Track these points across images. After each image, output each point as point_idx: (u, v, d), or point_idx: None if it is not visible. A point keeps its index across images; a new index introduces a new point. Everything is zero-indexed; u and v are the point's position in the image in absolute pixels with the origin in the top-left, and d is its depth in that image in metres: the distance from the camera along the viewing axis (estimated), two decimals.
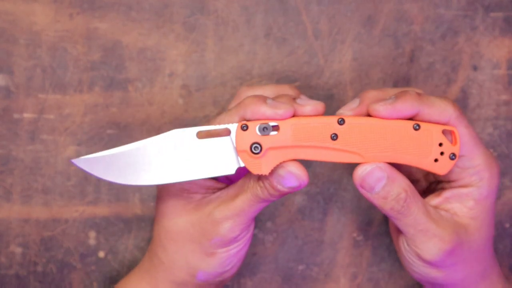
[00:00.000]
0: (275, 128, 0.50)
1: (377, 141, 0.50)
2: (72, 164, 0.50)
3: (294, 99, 0.52)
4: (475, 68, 0.63)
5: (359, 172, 0.50)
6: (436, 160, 0.51)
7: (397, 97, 0.50)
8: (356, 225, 0.64)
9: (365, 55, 0.63)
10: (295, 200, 0.63)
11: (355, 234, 0.64)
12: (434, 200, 0.53)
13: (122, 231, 0.63)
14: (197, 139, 0.51)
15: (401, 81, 0.63)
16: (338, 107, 0.62)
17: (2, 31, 0.61)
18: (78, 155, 0.62)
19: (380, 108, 0.50)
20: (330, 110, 0.63)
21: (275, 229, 0.64)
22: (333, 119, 0.50)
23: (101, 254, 0.63)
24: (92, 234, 0.63)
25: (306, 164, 0.63)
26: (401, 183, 0.51)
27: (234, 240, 0.53)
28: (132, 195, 0.63)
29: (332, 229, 0.64)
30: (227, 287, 0.64)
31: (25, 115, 0.62)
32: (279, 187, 0.50)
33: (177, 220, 0.54)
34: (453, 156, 0.51)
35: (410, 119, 0.51)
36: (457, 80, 0.63)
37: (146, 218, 0.63)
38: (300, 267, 0.64)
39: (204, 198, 0.53)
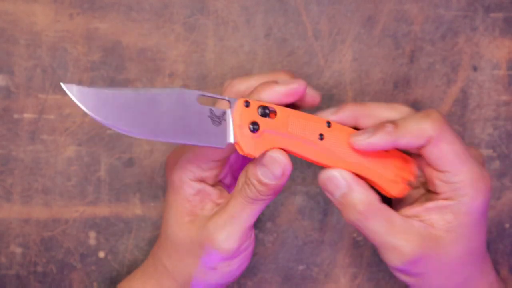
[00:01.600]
0: (272, 114, 0.50)
1: (354, 152, 0.52)
2: (63, 87, 0.46)
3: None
4: (475, 68, 0.63)
5: (322, 176, 0.52)
6: (395, 182, 0.54)
7: (373, 132, 0.51)
8: None
9: (365, 56, 0.63)
10: (295, 200, 0.63)
11: (355, 234, 0.64)
12: (415, 208, 0.53)
13: (122, 231, 0.63)
14: (197, 103, 0.49)
15: (401, 81, 0.63)
16: None
17: (2, 31, 0.61)
18: (78, 155, 0.62)
19: (357, 143, 0.51)
20: None
21: (275, 229, 0.64)
22: (323, 121, 0.52)
23: (101, 254, 0.63)
24: (92, 234, 0.63)
25: (307, 164, 0.63)
26: (361, 195, 0.51)
27: (234, 253, 0.52)
28: (133, 195, 0.63)
29: (332, 229, 0.64)
30: (227, 287, 0.64)
31: (25, 115, 0.62)
32: (264, 179, 0.50)
33: (178, 233, 0.54)
34: (412, 184, 0.54)
35: None
36: (457, 81, 0.63)
37: (147, 219, 0.63)
38: (300, 267, 0.64)
39: (203, 212, 0.53)
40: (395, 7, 0.62)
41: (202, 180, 0.54)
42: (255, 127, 0.49)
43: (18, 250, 0.63)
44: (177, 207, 0.54)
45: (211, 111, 0.49)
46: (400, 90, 0.63)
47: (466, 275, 0.54)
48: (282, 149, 0.50)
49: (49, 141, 0.62)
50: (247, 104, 0.49)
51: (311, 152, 0.51)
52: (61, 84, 0.46)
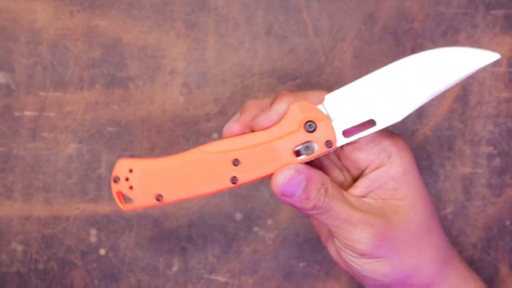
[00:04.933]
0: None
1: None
2: None
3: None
4: None
5: (279, 182, 0.49)
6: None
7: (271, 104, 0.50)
8: None
9: (365, 53, 0.63)
10: None
11: None
12: (354, 191, 0.52)
13: (123, 228, 0.63)
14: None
15: None
16: None
17: (3, 29, 0.61)
18: (79, 153, 0.62)
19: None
20: None
21: (276, 226, 0.64)
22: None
23: (102, 251, 0.63)
24: (93, 231, 0.63)
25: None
26: (319, 179, 0.49)
27: None
28: None
29: None
30: (228, 285, 0.64)
31: (26, 112, 0.62)
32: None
33: None
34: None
35: None
36: None
37: (147, 216, 0.63)
38: (301, 265, 0.64)
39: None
40: (395, 4, 0.62)
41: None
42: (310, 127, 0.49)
43: (19, 248, 0.63)
44: None
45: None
46: None
47: (440, 247, 0.53)
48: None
49: (50, 138, 0.62)
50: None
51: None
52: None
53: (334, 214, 0.50)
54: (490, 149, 0.64)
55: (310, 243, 0.64)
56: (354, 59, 0.63)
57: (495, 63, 0.63)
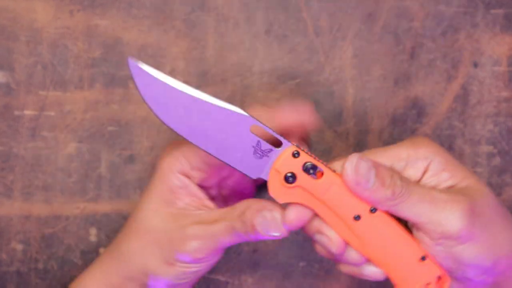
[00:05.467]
0: (318, 174, 0.49)
1: (385, 246, 0.49)
2: (128, 62, 0.47)
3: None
4: (475, 65, 0.63)
5: (348, 170, 0.48)
6: None
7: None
8: None
9: (365, 52, 0.63)
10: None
11: None
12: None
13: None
14: (248, 130, 0.48)
15: (402, 77, 0.63)
16: (339, 104, 0.62)
17: (3, 28, 0.61)
18: (79, 152, 0.62)
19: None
20: (330, 106, 0.63)
21: None
22: (367, 206, 0.49)
23: (102, 251, 0.63)
24: (93, 231, 0.63)
25: None
26: (385, 166, 0.49)
27: (197, 260, 0.52)
28: (133, 192, 0.63)
29: None
30: (227, 284, 0.64)
31: (26, 112, 0.62)
32: (258, 227, 0.49)
33: (151, 219, 0.53)
34: None
35: None
36: (458, 77, 0.63)
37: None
38: (301, 264, 0.64)
39: (186, 209, 0.52)
40: (395, 3, 0.62)
41: (188, 177, 0.53)
42: (290, 179, 0.48)
43: (19, 247, 0.63)
44: (159, 194, 0.53)
45: (258, 143, 0.48)
46: (401, 86, 0.63)
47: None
48: (309, 207, 0.49)
49: (50, 137, 0.62)
50: (296, 154, 0.48)
51: (337, 225, 0.49)
52: (128, 59, 0.47)
53: (417, 199, 0.48)
54: (490, 148, 0.64)
55: (310, 242, 0.64)
56: (354, 58, 0.63)
57: (495, 62, 0.63)
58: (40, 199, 0.62)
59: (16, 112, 0.62)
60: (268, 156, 0.48)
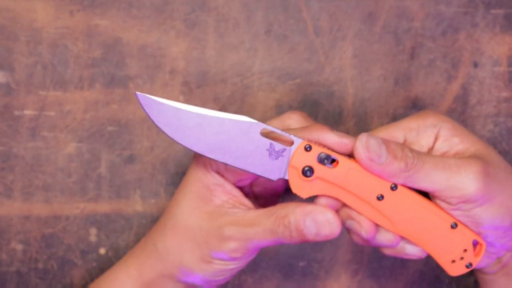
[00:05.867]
0: (333, 162, 0.50)
1: (415, 221, 0.51)
2: (136, 96, 0.50)
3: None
4: (475, 65, 0.63)
5: (359, 148, 0.49)
6: (453, 261, 0.51)
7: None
8: None
9: (365, 52, 0.63)
10: (296, 196, 0.63)
11: None
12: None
13: (123, 228, 0.63)
14: (259, 134, 0.50)
15: (402, 78, 0.63)
16: (339, 104, 0.62)
17: (3, 28, 0.61)
18: (79, 152, 0.62)
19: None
20: (330, 106, 0.63)
21: None
22: (388, 183, 0.50)
23: (102, 251, 0.63)
24: (93, 231, 0.63)
25: None
26: (394, 140, 0.50)
27: (233, 259, 0.52)
28: (133, 192, 0.63)
29: None
30: (228, 284, 0.64)
31: (26, 112, 0.62)
32: (306, 231, 0.50)
33: (187, 217, 0.53)
34: (469, 265, 0.52)
35: None
36: (458, 77, 0.63)
37: (147, 215, 0.63)
38: (301, 264, 0.64)
39: (222, 206, 0.53)
40: (395, 3, 0.62)
41: (223, 176, 0.53)
42: (308, 172, 0.50)
43: (19, 247, 0.63)
44: (196, 192, 0.53)
45: (271, 145, 0.50)
46: (401, 86, 0.63)
47: None
48: (333, 197, 0.51)
49: (50, 137, 0.62)
50: (308, 147, 0.50)
51: (364, 209, 0.51)
52: (136, 93, 0.50)
53: (430, 167, 0.49)
54: None
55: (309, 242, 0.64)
56: (354, 58, 0.63)
57: (495, 63, 0.63)
58: (40, 199, 0.62)
59: (16, 112, 0.62)
60: (283, 156, 0.50)
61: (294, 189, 0.50)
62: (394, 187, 0.50)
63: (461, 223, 0.51)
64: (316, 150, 0.50)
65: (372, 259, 0.64)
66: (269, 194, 0.57)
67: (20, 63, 0.61)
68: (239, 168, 0.51)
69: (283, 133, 0.50)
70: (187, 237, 0.53)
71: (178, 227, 0.53)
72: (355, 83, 0.63)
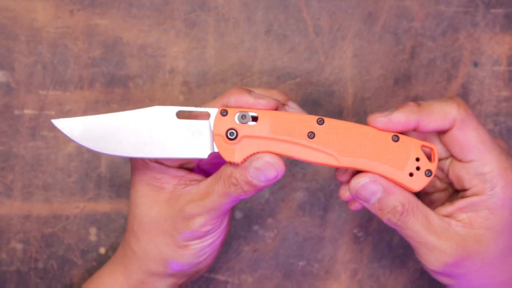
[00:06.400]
0: (254, 119, 0.50)
1: (354, 146, 0.50)
2: (52, 124, 0.50)
3: (283, 104, 0.52)
4: (475, 64, 0.63)
5: (353, 185, 0.50)
6: (411, 175, 0.50)
7: (395, 109, 0.50)
8: (356, 221, 0.64)
9: (365, 52, 0.63)
10: (296, 196, 0.63)
11: (355, 231, 0.64)
12: (447, 208, 0.51)
13: (123, 227, 0.63)
14: (176, 118, 0.51)
15: (402, 77, 0.63)
16: (339, 104, 0.62)
17: (3, 27, 0.61)
18: (79, 151, 0.62)
19: (376, 119, 0.49)
20: (330, 106, 0.63)
21: (275, 225, 0.64)
22: (313, 118, 0.50)
23: (102, 250, 0.63)
24: (93, 230, 0.63)
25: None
26: (398, 196, 0.49)
27: (207, 233, 0.53)
28: None
29: (333, 225, 0.64)
30: (227, 283, 0.64)
31: (26, 111, 0.62)
32: (255, 181, 0.50)
33: (149, 212, 0.53)
34: (428, 173, 0.50)
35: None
36: (458, 77, 0.63)
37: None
38: (301, 264, 0.64)
39: (175, 190, 0.53)
40: (395, 3, 0.62)
41: (163, 163, 0.53)
42: (231, 134, 0.50)
43: (19, 246, 0.63)
44: (145, 186, 0.53)
45: (190, 124, 0.51)
46: (401, 86, 0.63)
47: (508, 272, 0.52)
48: (266, 152, 0.50)
49: (50, 137, 0.62)
50: (224, 112, 0.50)
51: (300, 152, 0.50)
52: (51, 121, 0.51)
53: (410, 234, 0.50)
54: None
55: (310, 242, 0.64)
56: (354, 58, 0.63)
57: (495, 62, 0.63)
58: (40, 199, 0.62)
59: (16, 112, 0.62)
60: (205, 130, 0.51)
61: (226, 156, 0.50)
62: (320, 121, 0.50)
63: (401, 134, 0.50)
64: (233, 112, 0.50)
65: (372, 258, 0.64)
66: (218, 165, 0.57)
67: (20, 62, 0.61)
68: (170, 158, 0.51)
69: (197, 108, 0.51)
70: (156, 231, 0.53)
71: (144, 225, 0.53)
72: (355, 83, 0.63)
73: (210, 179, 0.52)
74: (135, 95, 0.62)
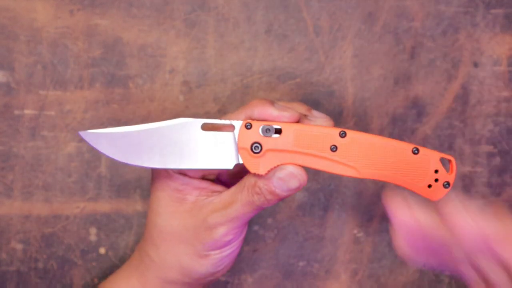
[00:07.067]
0: (278, 131, 0.51)
1: (375, 159, 0.51)
2: (80, 136, 0.51)
3: (305, 115, 0.53)
4: (475, 64, 0.63)
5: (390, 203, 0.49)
6: (429, 186, 0.52)
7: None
8: (356, 221, 0.64)
9: (365, 52, 0.63)
10: (296, 196, 0.63)
11: (355, 231, 0.64)
12: None
13: (123, 227, 0.63)
14: (201, 130, 0.51)
15: (402, 77, 0.63)
16: (339, 104, 0.62)
17: (3, 27, 0.61)
18: (79, 151, 0.62)
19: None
20: (330, 106, 0.63)
21: (275, 225, 0.64)
22: (335, 131, 0.51)
23: (102, 250, 0.63)
24: (93, 230, 0.63)
25: None
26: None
27: (228, 243, 0.53)
28: (133, 191, 0.63)
29: (333, 225, 0.64)
30: (227, 283, 0.64)
31: (26, 111, 0.62)
32: (278, 191, 0.51)
33: (170, 222, 0.54)
34: (447, 185, 0.52)
35: None
36: (458, 77, 0.63)
37: (147, 215, 0.63)
38: (301, 264, 0.64)
39: (198, 201, 0.53)
40: (395, 3, 0.62)
41: (186, 174, 0.54)
42: (256, 148, 0.51)
43: (19, 246, 0.63)
44: (167, 197, 0.54)
45: (215, 136, 0.51)
46: (401, 86, 0.63)
47: None
48: (291, 164, 0.51)
49: (50, 137, 0.62)
50: (248, 125, 0.51)
51: (323, 164, 0.51)
52: (79, 133, 0.52)
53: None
54: (490, 148, 0.64)
55: (310, 242, 0.64)
56: (354, 58, 0.63)
57: (495, 62, 0.63)
58: (40, 199, 0.62)
59: (16, 112, 0.62)
60: (230, 142, 0.52)
61: (251, 168, 0.51)
62: (343, 134, 0.51)
63: (421, 146, 0.51)
64: (257, 125, 0.51)
65: (372, 258, 0.64)
66: (238, 176, 0.57)
67: (20, 62, 0.61)
68: (196, 169, 0.52)
69: (223, 121, 0.51)
70: (177, 240, 0.54)
71: (165, 234, 0.54)
72: (355, 82, 0.63)
73: (233, 188, 0.53)
74: (135, 95, 0.62)
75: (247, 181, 0.52)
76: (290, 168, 0.51)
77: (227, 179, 0.57)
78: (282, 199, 0.52)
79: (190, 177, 0.53)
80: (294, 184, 0.51)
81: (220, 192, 0.54)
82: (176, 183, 0.53)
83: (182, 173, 0.53)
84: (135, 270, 0.57)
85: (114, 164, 0.62)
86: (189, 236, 0.53)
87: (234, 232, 0.53)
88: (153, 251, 0.55)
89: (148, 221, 0.56)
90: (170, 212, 0.54)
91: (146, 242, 0.56)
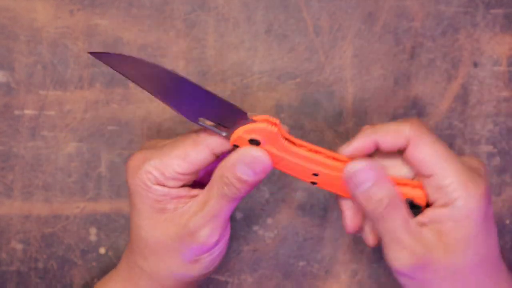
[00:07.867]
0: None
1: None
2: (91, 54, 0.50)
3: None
4: (475, 64, 0.63)
5: (348, 168, 0.51)
6: None
7: (354, 137, 0.52)
8: None
9: (365, 52, 0.63)
10: (296, 196, 0.63)
11: None
12: (418, 220, 0.52)
13: (123, 227, 0.63)
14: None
15: (402, 77, 0.63)
16: (339, 104, 0.62)
17: (3, 27, 0.61)
18: (79, 151, 0.62)
19: (343, 151, 0.52)
20: (330, 106, 0.63)
21: (275, 225, 0.64)
22: (309, 172, 0.52)
23: (102, 250, 0.63)
24: (93, 230, 0.63)
25: None
26: (388, 189, 0.51)
27: (214, 244, 0.53)
28: None
29: (333, 225, 0.64)
30: (227, 283, 0.64)
31: (26, 111, 0.62)
32: (245, 176, 0.51)
33: (153, 233, 0.53)
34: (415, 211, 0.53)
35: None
36: (458, 77, 0.63)
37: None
38: (301, 264, 0.64)
39: (177, 208, 0.53)
40: (395, 3, 0.62)
41: (164, 185, 0.53)
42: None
43: (19, 246, 0.63)
44: (147, 208, 0.53)
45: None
46: (401, 86, 0.63)
47: (476, 285, 0.52)
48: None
49: (50, 137, 0.62)
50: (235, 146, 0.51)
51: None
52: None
53: (388, 228, 0.51)
54: (489, 148, 0.64)
55: (310, 242, 0.64)
56: (354, 58, 0.63)
57: (495, 62, 0.63)
58: (40, 199, 0.62)
59: (16, 112, 0.62)
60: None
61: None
62: (316, 175, 0.52)
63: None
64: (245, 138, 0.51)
65: (372, 259, 0.64)
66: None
67: (20, 62, 0.61)
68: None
69: (215, 129, 0.51)
70: (164, 250, 0.54)
71: (151, 245, 0.54)
72: (355, 83, 0.63)
73: (206, 187, 0.53)
74: (135, 95, 0.62)
75: (214, 176, 0.52)
76: (253, 151, 0.51)
77: (207, 181, 0.57)
78: (253, 186, 0.51)
79: (170, 187, 0.53)
80: (258, 167, 0.51)
81: (197, 195, 0.54)
82: (155, 194, 0.53)
83: (161, 184, 0.53)
84: (127, 281, 0.56)
85: (114, 164, 0.62)
86: (175, 245, 0.53)
87: (218, 232, 0.53)
88: (143, 262, 0.55)
89: (132, 234, 0.55)
90: (152, 224, 0.53)
91: (134, 253, 0.55)
